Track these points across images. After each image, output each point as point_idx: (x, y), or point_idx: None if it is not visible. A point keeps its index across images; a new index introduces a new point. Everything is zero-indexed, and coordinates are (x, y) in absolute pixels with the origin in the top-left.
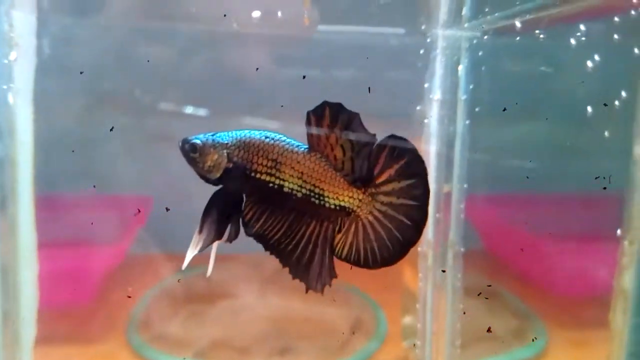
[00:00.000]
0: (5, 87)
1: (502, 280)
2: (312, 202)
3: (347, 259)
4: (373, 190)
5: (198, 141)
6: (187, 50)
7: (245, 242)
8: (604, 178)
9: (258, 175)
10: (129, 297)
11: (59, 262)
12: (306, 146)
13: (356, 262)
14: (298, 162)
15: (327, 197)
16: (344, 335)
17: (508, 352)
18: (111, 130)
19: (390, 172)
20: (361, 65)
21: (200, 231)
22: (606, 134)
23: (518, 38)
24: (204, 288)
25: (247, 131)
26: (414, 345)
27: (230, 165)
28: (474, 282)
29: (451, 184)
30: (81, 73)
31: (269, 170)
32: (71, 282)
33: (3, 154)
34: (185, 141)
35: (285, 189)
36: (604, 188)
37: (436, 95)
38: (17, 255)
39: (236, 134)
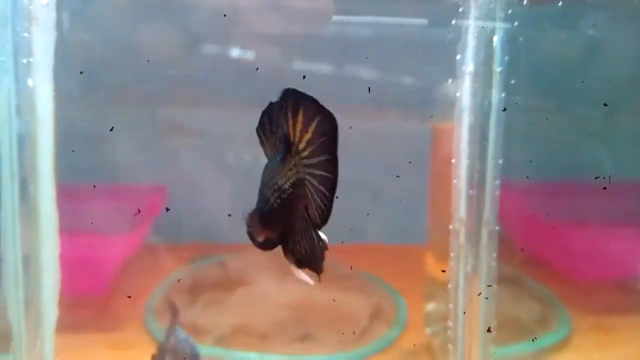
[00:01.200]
0: (25, 61)
1: (524, 268)
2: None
3: None
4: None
5: None
6: (199, 38)
7: None
8: (604, 178)
9: None
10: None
11: (76, 250)
12: None
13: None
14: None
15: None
16: (364, 322)
17: (533, 339)
18: (111, 130)
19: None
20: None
21: None
22: None
23: (560, 4)
24: (221, 277)
25: None
26: (446, 329)
27: None
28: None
29: (485, 161)
30: (81, 73)
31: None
32: (88, 271)
33: (23, 131)
34: None
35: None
36: (604, 188)
37: (469, 67)
38: (39, 237)
39: None
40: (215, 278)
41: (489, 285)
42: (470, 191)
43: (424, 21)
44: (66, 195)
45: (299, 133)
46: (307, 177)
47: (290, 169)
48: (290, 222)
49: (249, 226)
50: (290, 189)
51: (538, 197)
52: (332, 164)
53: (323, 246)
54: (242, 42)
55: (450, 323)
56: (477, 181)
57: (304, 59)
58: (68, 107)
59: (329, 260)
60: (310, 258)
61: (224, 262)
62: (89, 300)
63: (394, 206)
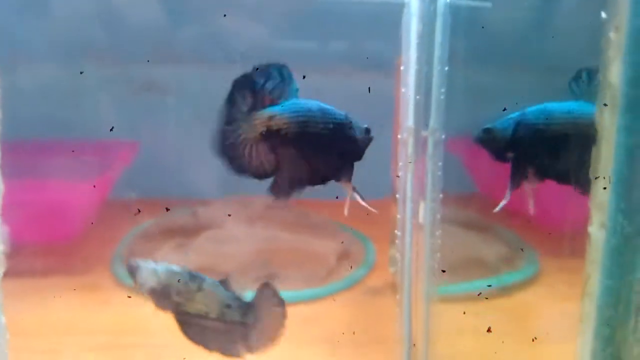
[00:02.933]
0: None
1: (495, 218)
2: None
3: None
4: None
5: None
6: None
7: (236, 185)
8: (604, 178)
9: None
10: None
11: (44, 195)
12: None
13: None
14: None
15: None
16: (332, 263)
17: (498, 277)
18: (111, 130)
19: None
20: None
21: None
22: None
23: None
24: (192, 224)
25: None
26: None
27: None
28: (465, 219)
29: (432, 67)
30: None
31: None
32: (57, 217)
33: None
34: None
35: None
36: (604, 188)
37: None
38: None
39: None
40: (185, 225)
41: (435, 200)
42: (417, 97)
43: None
44: (40, 148)
45: None
46: None
47: None
48: None
49: None
50: None
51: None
52: None
53: None
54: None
55: (398, 232)
56: (424, 89)
57: (280, 24)
58: (45, 64)
59: (302, 210)
60: None
61: (196, 212)
62: (58, 246)
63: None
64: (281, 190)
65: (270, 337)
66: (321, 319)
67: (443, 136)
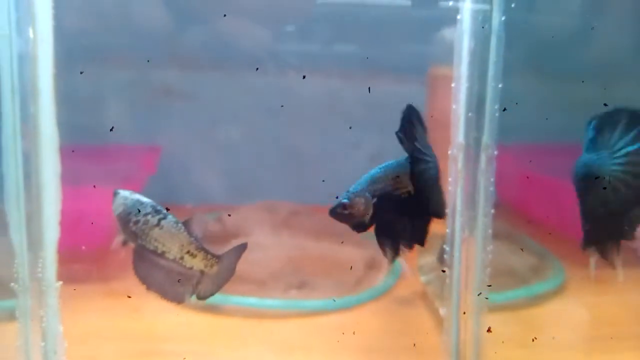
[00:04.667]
0: None
1: (519, 227)
2: None
3: None
4: None
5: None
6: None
7: (257, 191)
8: (604, 178)
9: None
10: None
11: (71, 203)
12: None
13: None
14: None
15: None
16: (360, 272)
17: (528, 287)
18: (111, 130)
19: None
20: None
21: None
22: None
23: None
24: (219, 231)
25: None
26: (444, 252)
27: None
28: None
29: (485, 84)
30: None
31: None
32: (84, 225)
33: (24, 50)
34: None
35: None
36: (604, 188)
37: None
38: (40, 156)
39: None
40: (212, 232)
41: (487, 215)
42: (469, 114)
43: None
44: (63, 155)
45: None
46: None
47: None
48: None
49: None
50: None
51: (531, 158)
52: None
53: None
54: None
55: (446, 247)
56: (475, 105)
57: (294, 27)
58: (67, 69)
59: (327, 218)
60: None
61: (221, 218)
62: (88, 253)
63: None
64: None
65: (220, 286)
66: (353, 328)
67: (495, 152)
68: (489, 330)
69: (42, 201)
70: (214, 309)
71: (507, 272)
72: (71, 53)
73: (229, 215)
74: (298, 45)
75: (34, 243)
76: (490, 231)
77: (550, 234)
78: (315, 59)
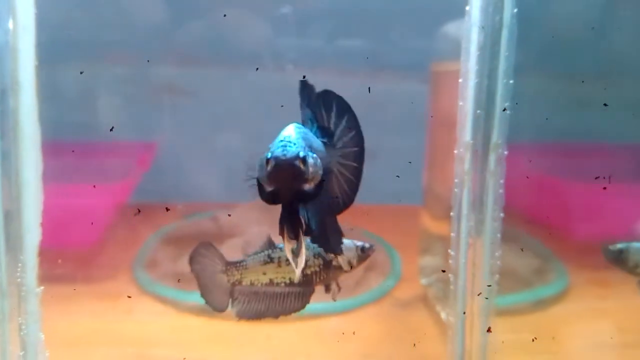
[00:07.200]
0: None
1: (523, 227)
2: None
3: None
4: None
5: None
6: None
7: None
8: (604, 178)
9: None
10: None
11: (65, 199)
12: None
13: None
14: None
15: None
16: (359, 274)
17: (532, 290)
18: (111, 130)
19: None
20: None
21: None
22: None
23: None
24: (213, 230)
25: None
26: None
27: None
28: None
29: (496, 80)
30: None
31: None
32: (77, 220)
33: (2, 40)
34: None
35: None
36: (604, 188)
37: None
38: (20, 154)
39: None
40: (207, 231)
41: (496, 219)
42: (478, 111)
43: None
44: (59, 150)
45: (333, 126)
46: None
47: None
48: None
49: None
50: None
51: (538, 158)
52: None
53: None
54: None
55: (451, 252)
56: (485, 102)
57: (295, 23)
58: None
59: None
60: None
61: (216, 217)
62: (79, 250)
63: (391, 168)
64: None
65: None
66: (353, 331)
67: (505, 152)
68: (489, 330)
69: (22, 202)
70: (209, 312)
71: (510, 274)
72: (65, 48)
73: (229, 215)
74: (297, 41)
75: (14, 246)
76: (499, 235)
77: (550, 234)
78: (315, 56)
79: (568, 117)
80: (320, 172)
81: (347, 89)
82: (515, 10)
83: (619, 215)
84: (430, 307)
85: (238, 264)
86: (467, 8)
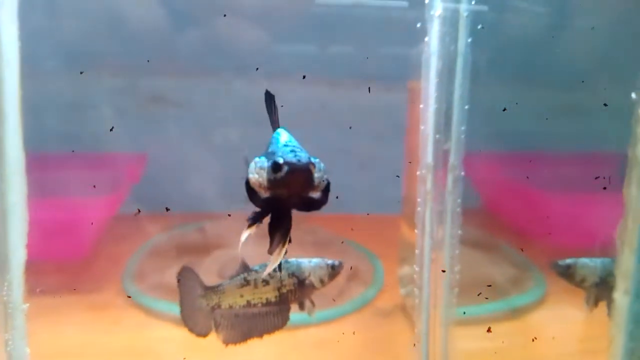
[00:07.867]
0: None
1: (501, 235)
2: None
3: None
4: None
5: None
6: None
7: (241, 199)
8: (604, 178)
9: None
10: None
11: (54, 213)
12: None
13: None
14: None
15: None
16: (341, 283)
17: (507, 299)
18: (111, 130)
19: None
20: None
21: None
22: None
23: None
24: (200, 241)
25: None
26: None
27: None
28: (472, 236)
29: (452, 106)
30: None
31: None
32: (67, 233)
33: None
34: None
35: None
36: (604, 188)
37: (437, 10)
38: (5, 178)
39: None
40: (194, 243)
41: (454, 236)
42: (437, 135)
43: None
44: (48, 163)
45: None
46: None
47: None
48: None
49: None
50: None
51: (515, 167)
52: None
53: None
54: (226, 15)
55: (416, 267)
56: (443, 126)
57: (287, 33)
58: (52, 76)
59: (310, 226)
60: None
61: (203, 228)
62: (68, 263)
63: (372, 177)
64: None
65: None
66: (333, 342)
67: (462, 173)
68: (489, 330)
69: (7, 224)
70: None
71: (486, 283)
72: (55, 59)
73: (229, 215)
74: (288, 50)
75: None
76: (457, 252)
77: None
78: (305, 65)
79: (542, 127)
80: (325, 178)
81: (333, 99)
82: (470, 39)
83: (595, 223)
84: (408, 317)
85: (216, 288)
86: (426, 39)
